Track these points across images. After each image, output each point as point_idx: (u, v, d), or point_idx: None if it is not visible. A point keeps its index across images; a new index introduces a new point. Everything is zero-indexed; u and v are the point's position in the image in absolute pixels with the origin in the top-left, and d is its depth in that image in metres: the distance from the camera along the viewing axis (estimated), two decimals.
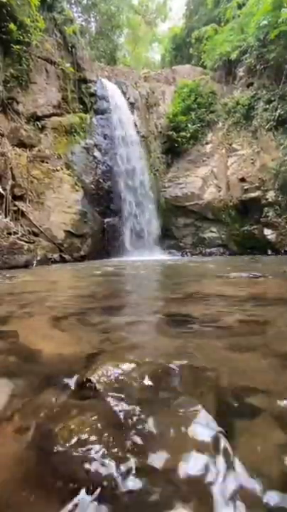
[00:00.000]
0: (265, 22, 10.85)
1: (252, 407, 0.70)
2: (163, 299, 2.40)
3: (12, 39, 8.68)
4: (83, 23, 17.14)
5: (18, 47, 8.82)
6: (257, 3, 12.04)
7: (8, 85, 8.88)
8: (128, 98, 12.16)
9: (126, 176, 11.00)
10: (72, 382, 0.83)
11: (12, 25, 8.51)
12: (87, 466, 0.51)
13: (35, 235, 8.30)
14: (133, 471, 0.50)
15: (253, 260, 7.86)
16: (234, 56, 12.65)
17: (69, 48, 10.99)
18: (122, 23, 19.27)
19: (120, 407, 0.68)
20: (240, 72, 12.73)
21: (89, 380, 0.79)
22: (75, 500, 0.46)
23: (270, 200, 10.46)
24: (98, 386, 0.77)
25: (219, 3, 16.51)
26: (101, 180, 10.66)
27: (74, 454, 0.54)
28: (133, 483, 0.48)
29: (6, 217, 7.68)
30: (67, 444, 0.56)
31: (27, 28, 8.96)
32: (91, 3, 17.08)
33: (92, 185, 10.45)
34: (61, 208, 9.23)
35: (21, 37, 8.85)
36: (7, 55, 8.87)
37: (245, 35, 12.71)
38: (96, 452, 0.54)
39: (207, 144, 12.52)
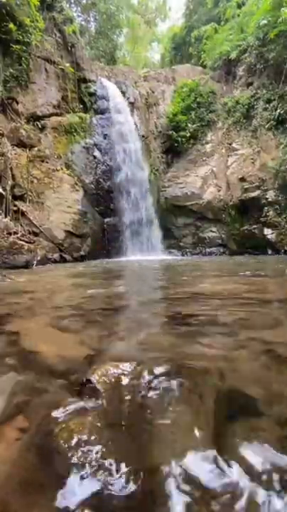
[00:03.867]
0: (264, 21, 10.85)
1: (252, 407, 0.70)
2: (163, 299, 2.39)
3: (12, 39, 8.68)
4: (83, 23, 17.13)
5: (17, 47, 8.81)
6: (257, 2, 12.04)
7: (8, 85, 8.87)
8: (128, 98, 12.15)
9: (126, 177, 10.98)
10: (72, 382, 0.82)
11: (12, 25, 8.50)
12: (87, 467, 0.51)
13: (35, 234, 8.30)
14: (134, 472, 0.50)
15: (254, 260, 7.86)
16: (233, 55, 12.64)
17: (69, 48, 10.98)
18: (122, 22, 19.24)
19: (120, 408, 0.68)
20: (240, 71, 12.71)
21: (89, 381, 0.79)
22: (75, 502, 0.46)
23: (270, 199, 10.46)
24: (98, 386, 0.76)
25: (218, 3, 16.49)
26: (101, 180, 10.65)
27: (74, 455, 0.54)
28: (134, 485, 0.48)
29: (5, 217, 7.68)
30: (67, 445, 0.56)
31: (26, 27, 8.96)
32: (91, 3, 17.07)
33: (92, 185, 10.45)
34: (61, 208, 9.23)
35: (21, 37, 8.84)
36: (7, 55, 8.87)
37: (245, 34, 12.69)
38: (97, 453, 0.54)
39: (206, 143, 12.51)
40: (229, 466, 0.51)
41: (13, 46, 8.74)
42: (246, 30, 12.57)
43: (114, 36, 18.32)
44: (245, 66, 12.40)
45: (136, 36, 24.65)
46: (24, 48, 9.00)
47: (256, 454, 0.53)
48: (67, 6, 14.19)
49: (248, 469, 0.51)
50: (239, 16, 13.91)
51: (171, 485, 0.48)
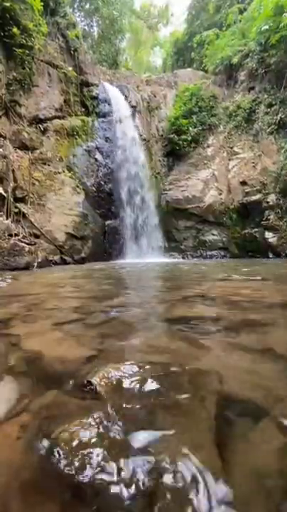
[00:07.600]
0: (266, 27, 10.95)
1: (254, 410, 0.70)
2: (164, 301, 2.39)
3: (15, 43, 8.77)
4: (85, 28, 17.34)
5: (21, 50, 8.90)
6: (258, 8, 12.17)
7: (11, 88, 8.95)
8: (130, 101, 12.23)
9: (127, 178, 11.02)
10: (72, 384, 0.82)
11: (15, 30, 8.60)
12: (87, 470, 0.51)
13: (36, 236, 8.31)
14: (135, 475, 0.50)
15: (255, 263, 7.84)
16: (235, 60, 12.74)
17: (72, 52, 11.09)
18: (124, 27, 19.45)
19: (121, 410, 0.68)
20: (241, 76, 12.80)
21: (89, 383, 0.78)
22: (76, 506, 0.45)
23: (271, 203, 10.47)
24: (99, 388, 0.76)
25: (220, 9, 16.69)
26: (102, 183, 10.70)
27: (75, 457, 0.53)
28: (134, 488, 0.48)
29: (7, 218, 7.70)
30: (68, 448, 0.55)
31: (30, 32, 9.06)
32: (94, 8, 17.26)
33: (93, 188, 10.49)
34: (62, 210, 9.25)
35: (24, 41, 8.94)
36: (10, 59, 8.95)
37: (246, 39, 12.81)
38: (97, 455, 0.53)
39: (208, 147, 12.56)
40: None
41: (17, 50, 8.83)
42: (248, 36, 12.69)
43: (117, 41, 18.50)
44: (246, 71, 12.48)
45: (138, 41, 24.91)
46: (27, 51, 9.10)
47: None
48: (71, 11, 14.36)
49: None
50: (240, 21, 14.06)
51: (172, 487, 0.47)
